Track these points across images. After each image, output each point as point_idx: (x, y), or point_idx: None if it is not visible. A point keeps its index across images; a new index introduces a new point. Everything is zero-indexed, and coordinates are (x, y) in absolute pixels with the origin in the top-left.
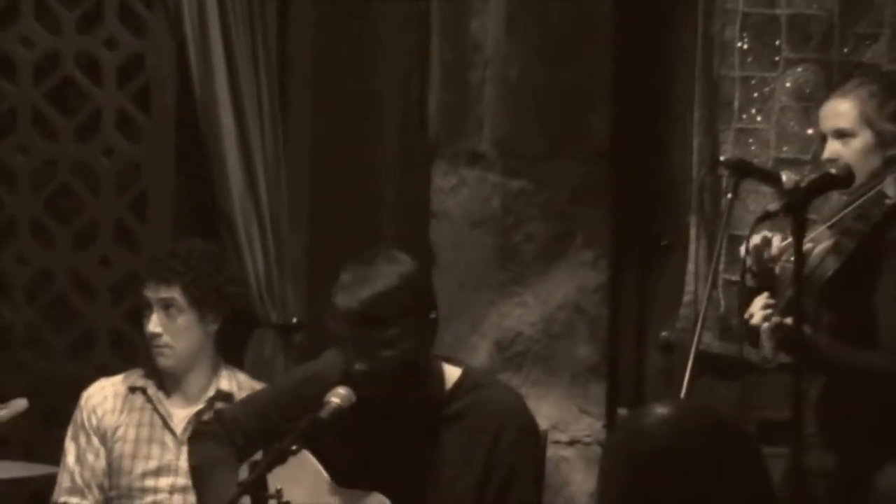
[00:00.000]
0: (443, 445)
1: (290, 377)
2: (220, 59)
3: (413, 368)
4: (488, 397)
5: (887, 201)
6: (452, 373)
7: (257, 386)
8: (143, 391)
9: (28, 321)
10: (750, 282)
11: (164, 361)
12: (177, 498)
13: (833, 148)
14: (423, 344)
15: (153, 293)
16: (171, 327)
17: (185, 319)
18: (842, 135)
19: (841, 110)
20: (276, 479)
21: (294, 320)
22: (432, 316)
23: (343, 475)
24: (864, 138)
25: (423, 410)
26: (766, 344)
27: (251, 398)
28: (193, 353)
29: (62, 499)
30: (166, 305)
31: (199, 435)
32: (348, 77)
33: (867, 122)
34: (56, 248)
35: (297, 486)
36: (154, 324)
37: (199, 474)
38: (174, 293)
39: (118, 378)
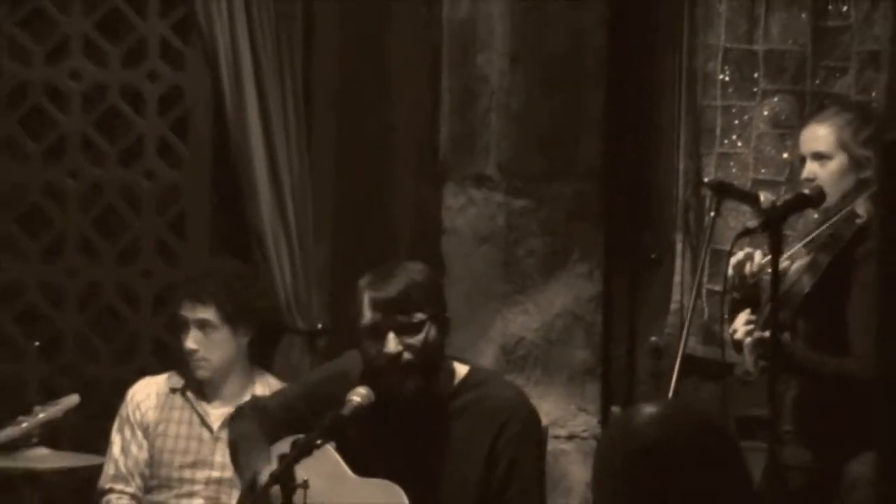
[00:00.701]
0: (451, 437)
1: (315, 375)
2: (252, 91)
3: (432, 359)
4: (493, 392)
5: (858, 220)
6: (460, 370)
7: (279, 384)
8: (183, 392)
9: (77, 329)
10: (736, 295)
11: (202, 373)
12: (211, 489)
13: (811, 168)
14: (439, 337)
15: (189, 313)
16: (206, 343)
17: (220, 335)
18: (819, 157)
19: (819, 135)
20: (300, 469)
21: (319, 326)
22: (446, 315)
23: (360, 465)
24: (839, 161)
25: (433, 404)
26: (749, 357)
27: (281, 392)
28: (228, 364)
29: (108, 485)
30: (202, 324)
31: (237, 416)
32: (367, 107)
33: (843, 146)
34: (103, 262)
35: (319, 476)
36: (191, 341)
37: (236, 448)
38: (209, 314)
39: (162, 377)
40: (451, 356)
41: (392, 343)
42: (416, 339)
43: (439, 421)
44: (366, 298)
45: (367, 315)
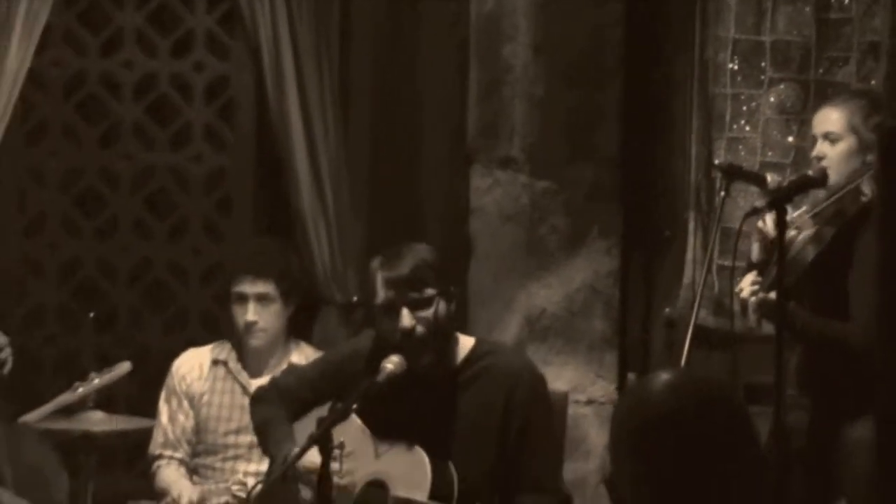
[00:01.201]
0: (464, 405)
1: (334, 354)
2: (292, 81)
3: (444, 332)
4: (500, 361)
5: (863, 198)
6: (467, 342)
7: (316, 353)
8: (225, 364)
9: (130, 302)
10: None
11: (257, 343)
12: (254, 452)
13: (821, 148)
14: (449, 311)
15: (250, 287)
16: (264, 315)
17: (275, 308)
18: (830, 137)
19: (832, 117)
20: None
21: (354, 299)
22: (453, 290)
23: (382, 431)
24: (848, 143)
25: (445, 375)
26: (752, 315)
27: (302, 370)
28: (278, 335)
29: (158, 451)
30: (261, 298)
31: (258, 399)
32: (400, 95)
33: (853, 129)
34: (154, 240)
35: (346, 440)
36: (252, 313)
37: (261, 431)
38: (268, 287)
39: (205, 349)
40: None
41: (406, 318)
42: (428, 314)
43: (452, 391)
44: (379, 278)
45: (381, 293)
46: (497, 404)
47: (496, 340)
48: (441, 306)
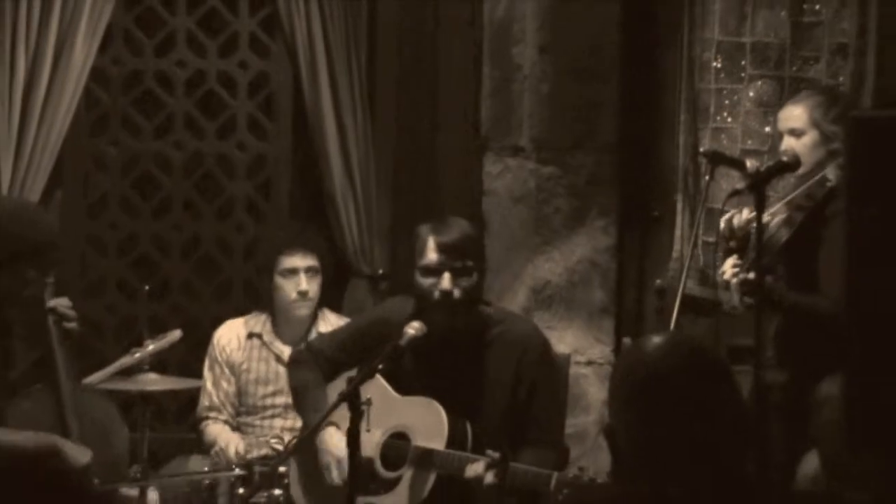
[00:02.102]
0: (479, 365)
1: (363, 319)
2: (325, 77)
3: (474, 300)
4: (512, 327)
5: (828, 184)
6: (483, 309)
7: (344, 321)
8: (259, 336)
9: (181, 274)
10: (732, 244)
11: (305, 312)
12: (290, 413)
13: (788, 143)
14: (480, 283)
15: (301, 261)
16: (312, 286)
17: (319, 279)
18: (795, 133)
19: (794, 114)
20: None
21: (380, 272)
22: (484, 265)
23: (405, 388)
24: (811, 136)
25: (463, 339)
26: (735, 295)
27: (333, 334)
28: (317, 304)
29: (204, 413)
30: (309, 270)
31: (295, 362)
32: (421, 90)
33: (814, 123)
34: (203, 219)
35: (372, 397)
36: (304, 284)
37: (297, 393)
38: (315, 261)
39: (240, 322)
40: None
41: (447, 281)
42: (466, 281)
43: (469, 353)
44: (430, 241)
45: (431, 256)
46: (509, 367)
47: (509, 310)
48: (475, 277)
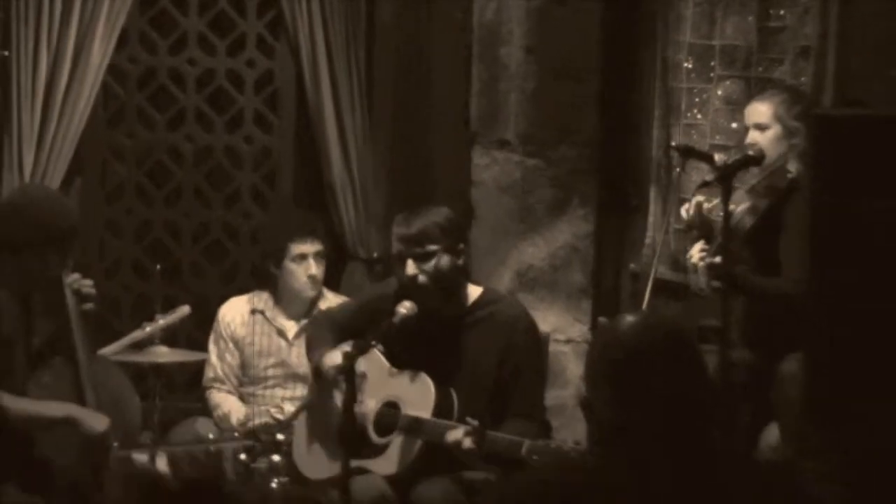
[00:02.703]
0: (469, 344)
1: (367, 295)
2: (326, 76)
3: (445, 282)
4: (502, 309)
5: (789, 175)
6: (475, 291)
7: (342, 300)
8: (262, 313)
9: (191, 257)
10: (695, 232)
11: (314, 293)
12: (289, 381)
13: (753, 136)
14: (452, 263)
15: (310, 247)
16: (319, 269)
17: (323, 263)
18: (760, 127)
19: (760, 110)
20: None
21: (375, 255)
22: (460, 247)
23: (400, 361)
24: (775, 130)
25: (455, 317)
26: (702, 278)
27: (343, 305)
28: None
29: (210, 384)
30: (318, 255)
31: (313, 322)
32: (415, 88)
33: (778, 119)
34: (211, 206)
35: (368, 371)
36: (314, 269)
37: (311, 345)
38: (321, 246)
39: (243, 299)
40: (471, 280)
41: (409, 268)
42: (429, 266)
43: (460, 331)
44: (393, 233)
45: (394, 246)
46: (497, 345)
47: (501, 291)
48: (443, 260)
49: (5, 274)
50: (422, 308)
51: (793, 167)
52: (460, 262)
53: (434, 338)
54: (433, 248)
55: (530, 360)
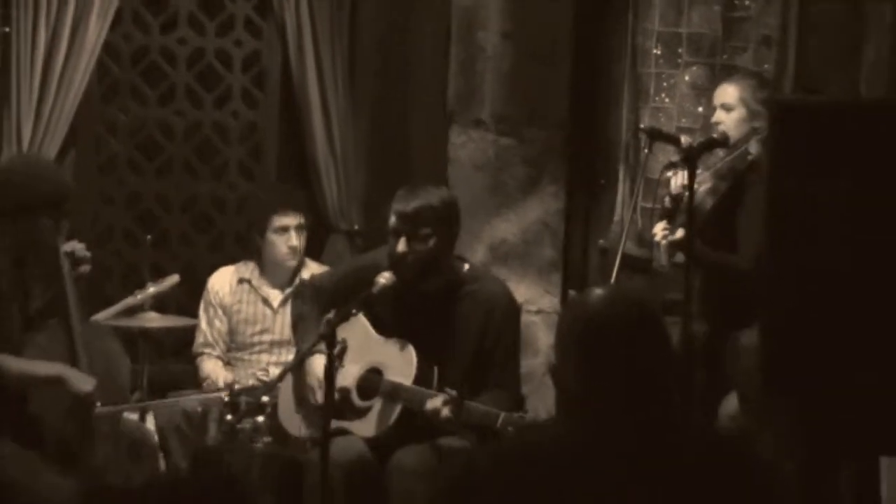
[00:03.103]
0: (453, 316)
1: (355, 263)
2: (311, 55)
3: (432, 260)
4: (485, 286)
5: (750, 157)
6: (461, 267)
7: (324, 269)
8: (249, 282)
9: (181, 227)
10: (666, 203)
11: (294, 263)
12: (275, 349)
13: (719, 115)
14: (443, 246)
15: (292, 220)
16: (300, 240)
17: (303, 235)
18: (726, 108)
19: (728, 91)
20: (341, 332)
21: (356, 227)
22: (453, 232)
23: (385, 331)
24: (740, 112)
25: (440, 292)
26: (663, 254)
27: (330, 273)
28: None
29: (200, 349)
30: (299, 227)
31: (298, 294)
32: (396, 69)
33: (743, 101)
34: (199, 178)
35: (354, 337)
36: (294, 240)
37: (295, 323)
38: (301, 219)
39: (231, 269)
40: (455, 256)
41: (401, 245)
42: (420, 247)
43: (445, 304)
44: (392, 207)
45: (391, 220)
46: (478, 320)
47: (485, 270)
48: (432, 242)
49: (2, 238)
50: (406, 282)
51: (753, 149)
52: (450, 246)
53: (419, 310)
54: (426, 230)
55: (508, 336)
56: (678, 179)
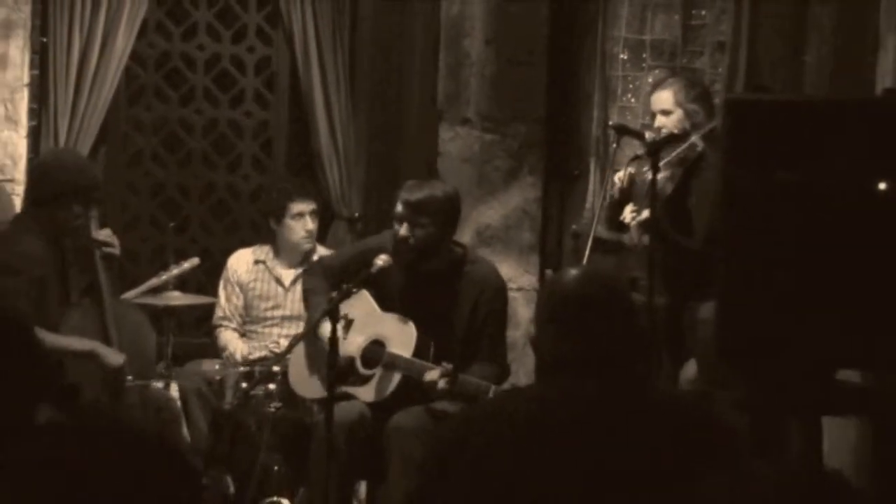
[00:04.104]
0: (448, 296)
1: (360, 245)
2: (315, 60)
3: (430, 245)
4: (477, 269)
5: (697, 149)
6: (458, 252)
7: (329, 252)
8: (264, 262)
9: (200, 214)
10: (617, 195)
11: (310, 246)
12: (285, 323)
13: (661, 120)
14: (440, 234)
15: (307, 206)
16: (315, 225)
17: (317, 220)
18: (665, 112)
19: (663, 97)
20: (345, 307)
21: (356, 214)
22: (452, 221)
23: (389, 307)
24: (678, 114)
25: (438, 273)
26: (635, 233)
27: (339, 253)
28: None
29: (218, 322)
30: (313, 213)
31: (309, 271)
32: (391, 72)
33: (678, 104)
34: (217, 170)
35: (359, 311)
36: (311, 224)
37: (306, 296)
38: (315, 205)
39: (248, 251)
40: (454, 241)
41: (404, 229)
42: (419, 233)
43: (442, 284)
44: (400, 195)
45: (396, 207)
46: (470, 299)
47: (479, 255)
48: (430, 232)
49: (40, 224)
50: (406, 262)
51: (699, 143)
52: (448, 234)
53: (419, 289)
54: (425, 220)
55: (496, 314)
56: (621, 173)
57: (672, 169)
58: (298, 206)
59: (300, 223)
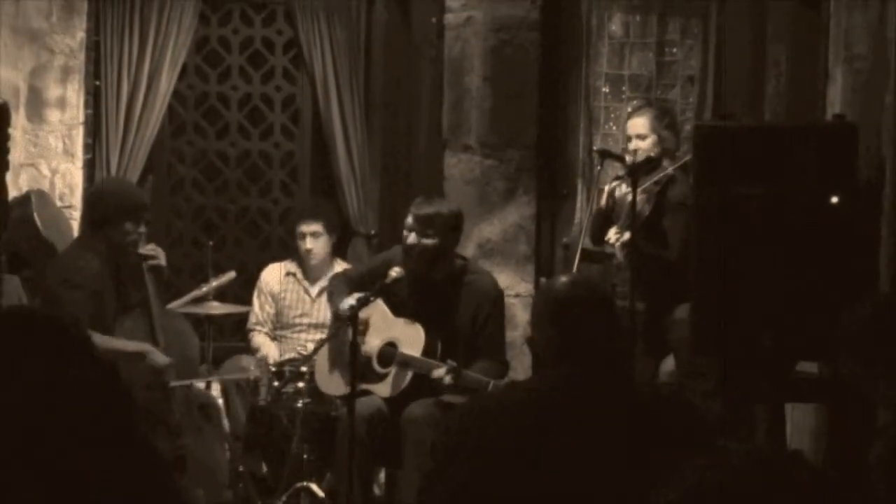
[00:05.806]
0: (452, 302)
1: (375, 259)
2: (334, 97)
3: (436, 256)
4: (478, 279)
5: (668, 171)
6: (460, 263)
7: (349, 266)
8: (294, 275)
9: (235, 233)
10: (604, 206)
11: (313, 262)
12: (312, 329)
13: (636, 144)
14: (445, 246)
15: (307, 228)
16: (317, 245)
17: (323, 239)
18: (640, 137)
19: (638, 123)
20: (365, 314)
21: (372, 232)
22: (456, 235)
23: (401, 313)
24: (652, 139)
25: (443, 282)
26: (619, 253)
27: (358, 267)
28: (325, 256)
29: (252, 327)
30: (314, 234)
31: (334, 280)
32: (402, 104)
33: (653, 129)
34: (250, 195)
35: (375, 317)
36: (308, 244)
37: (330, 298)
38: (319, 227)
39: (280, 265)
40: (457, 254)
41: (412, 238)
42: (426, 243)
43: (446, 292)
44: (411, 209)
45: (407, 219)
46: (471, 305)
47: (480, 266)
48: (435, 244)
49: (97, 244)
50: (413, 270)
51: (669, 166)
52: (451, 247)
53: (427, 296)
54: (431, 232)
55: (496, 318)
56: (607, 187)
57: (648, 193)
58: (301, 227)
59: (302, 242)
